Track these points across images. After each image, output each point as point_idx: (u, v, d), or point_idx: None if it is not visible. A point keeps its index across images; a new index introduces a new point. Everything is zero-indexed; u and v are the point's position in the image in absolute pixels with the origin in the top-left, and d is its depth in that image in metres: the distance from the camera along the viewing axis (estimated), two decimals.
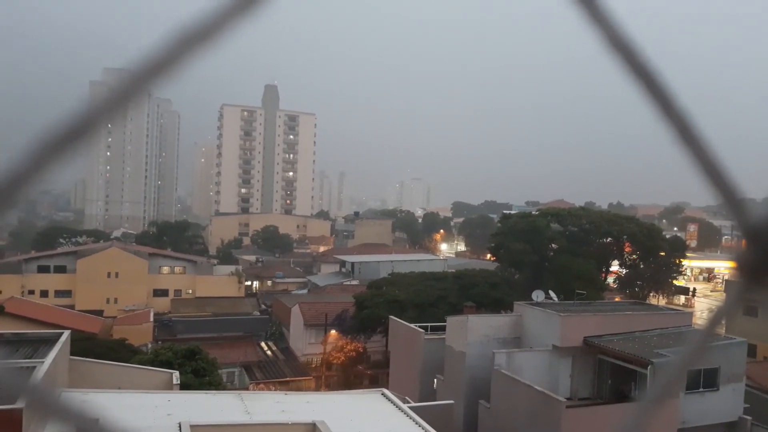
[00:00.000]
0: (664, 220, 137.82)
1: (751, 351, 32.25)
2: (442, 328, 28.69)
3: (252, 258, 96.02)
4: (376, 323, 41.00)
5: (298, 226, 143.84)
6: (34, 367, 13.79)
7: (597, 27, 0.82)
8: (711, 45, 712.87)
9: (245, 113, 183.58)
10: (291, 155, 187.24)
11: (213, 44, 0.70)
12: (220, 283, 70.33)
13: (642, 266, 58.00)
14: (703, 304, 70.46)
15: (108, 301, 63.85)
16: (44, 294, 63.33)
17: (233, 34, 0.72)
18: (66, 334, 17.61)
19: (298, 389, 35.99)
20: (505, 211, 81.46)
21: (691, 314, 32.27)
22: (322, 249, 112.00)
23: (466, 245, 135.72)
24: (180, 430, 13.25)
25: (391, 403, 17.71)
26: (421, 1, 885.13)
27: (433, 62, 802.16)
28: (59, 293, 64.13)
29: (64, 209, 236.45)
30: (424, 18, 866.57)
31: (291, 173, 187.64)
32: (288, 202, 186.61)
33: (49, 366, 13.87)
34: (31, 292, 62.52)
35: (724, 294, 58.29)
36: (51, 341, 16.92)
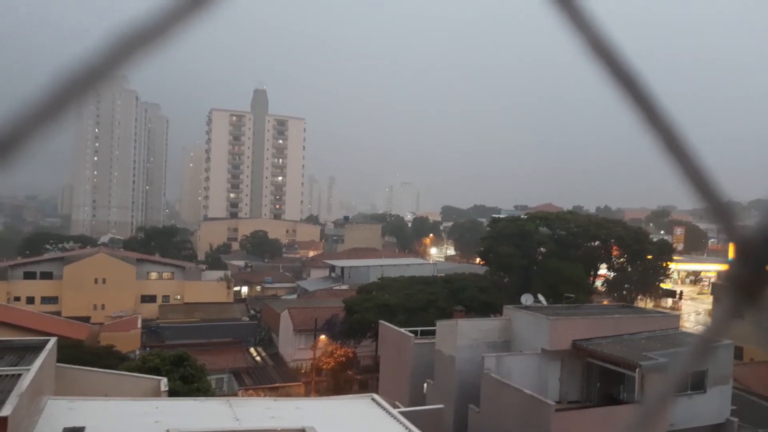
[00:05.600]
0: (651, 224, 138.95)
1: (738, 353, 32.53)
2: (432, 333, 28.69)
3: (241, 263, 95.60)
4: (366, 328, 40.93)
5: (287, 231, 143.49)
6: (20, 375, 13.63)
7: (576, 31, 0.79)
8: (705, 48, 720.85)
9: (234, 118, 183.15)
10: (280, 160, 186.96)
11: (165, 42, 0.66)
12: (208, 288, 69.92)
13: (630, 269, 58.39)
14: (690, 307, 71.01)
15: (95, 307, 63.28)
16: (30, 300, 62.68)
17: (186, 32, 0.69)
18: (52, 341, 17.41)
19: (288, 395, 35.82)
20: (494, 215, 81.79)
21: (678, 317, 32.51)
22: (311, 254, 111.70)
23: (455, 249, 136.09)
24: None
25: (381, 408, 17.68)
26: (410, 8, 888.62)
27: (424, 70, 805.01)
28: (45, 300, 63.47)
29: (51, 215, 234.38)
30: (413, 26, 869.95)
31: (280, 178, 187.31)
32: (277, 206, 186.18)
33: (35, 373, 13.71)
34: (17, 299, 61.83)
35: (712, 297, 58.84)
36: (37, 348, 16.72)
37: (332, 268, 75.00)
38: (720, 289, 48.60)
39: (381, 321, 34.23)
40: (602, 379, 24.76)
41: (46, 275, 66.20)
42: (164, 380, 19.75)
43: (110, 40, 0.64)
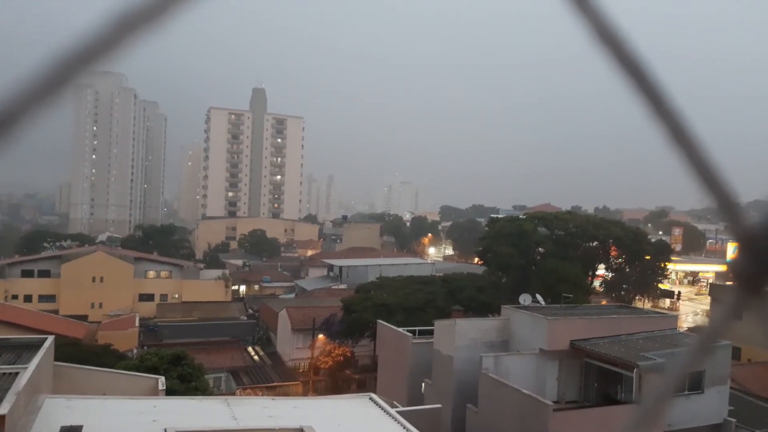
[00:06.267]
0: (649, 224, 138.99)
1: (736, 354, 32.59)
2: (430, 332, 28.69)
3: (239, 262, 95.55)
4: (364, 327, 40.93)
5: (285, 230, 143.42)
6: (17, 374, 13.61)
7: (583, 16, 0.77)
8: (708, 46, 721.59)
9: (233, 116, 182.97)
10: (279, 159, 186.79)
11: (157, 27, 0.65)
12: (206, 287, 69.87)
13: (628, 270, 58.45)
14: (688, 308, 71.09)
15: (93, 305, 63.21)
16: (28, 299, 62.59)
17: (180, 17, 0.68)
18: (50, 339, 17.39)
19: (286, 394, 35.81)
20: (492, 215, 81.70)
21: (676, 317, 32.55)
22: (309, 253, 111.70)
23: (453, 249, 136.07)
24: None
25: (379, 407, 17.67)
26: (410, 8, 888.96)
27: (424, 70, 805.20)
28: (43, 298, 63.39)
29: (49, 213, 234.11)
30: (413, 26, 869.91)
31: (279, 177, 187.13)
32: (276, 205, 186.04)
33: (33, 372, 13.69)
34: (15, 297, 61.75)
35: (710, 297, 58.87)
36: (35, 347, 16.70)
37: (330, 268, 74.98)
38: (718, 289, 48.60)
39: (379, 320, 34.22)
40: (600, 380, 24.78)
41: (44, 273, 66.11)
42: (162, 379, 19.75)
43: (104, 19, 0.62)
